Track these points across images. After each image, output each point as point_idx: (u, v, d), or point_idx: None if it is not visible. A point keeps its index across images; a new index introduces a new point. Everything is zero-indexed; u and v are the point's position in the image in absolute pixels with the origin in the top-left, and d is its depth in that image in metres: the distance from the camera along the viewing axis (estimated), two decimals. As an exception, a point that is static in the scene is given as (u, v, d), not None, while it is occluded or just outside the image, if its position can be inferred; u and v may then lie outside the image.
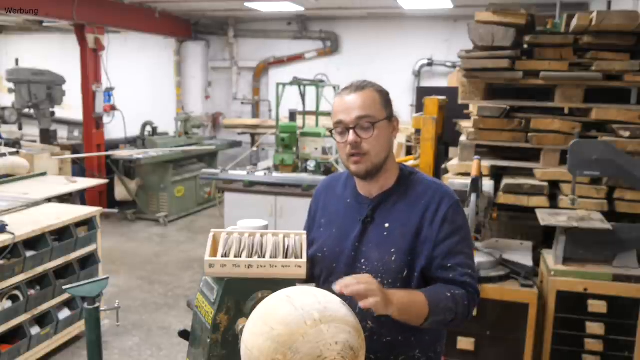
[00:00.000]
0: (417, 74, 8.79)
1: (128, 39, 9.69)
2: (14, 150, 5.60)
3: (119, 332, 4.19)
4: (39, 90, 6.76)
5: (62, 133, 8.47)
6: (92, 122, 7.35)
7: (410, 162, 3.93)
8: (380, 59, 8.80)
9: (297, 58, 9.43)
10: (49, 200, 4.19)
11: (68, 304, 3.86)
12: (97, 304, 2.32)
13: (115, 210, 6.89)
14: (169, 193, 7.46)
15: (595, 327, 2.68)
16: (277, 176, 5.43)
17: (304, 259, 1.54)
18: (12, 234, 3.22)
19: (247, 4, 7.63)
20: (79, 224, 3.91)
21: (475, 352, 2.74)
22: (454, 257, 1.57)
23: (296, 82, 6.15)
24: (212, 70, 10.09)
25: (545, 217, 2.83)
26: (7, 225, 3.27)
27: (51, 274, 3.60)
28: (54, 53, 9.93)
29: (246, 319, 1.39)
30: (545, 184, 3.13)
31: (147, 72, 10.03)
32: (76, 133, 8.59)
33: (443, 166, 3.70)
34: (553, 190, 3.17)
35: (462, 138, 3.49)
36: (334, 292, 1.35)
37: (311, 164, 5.61)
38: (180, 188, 7.67)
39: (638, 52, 3.07)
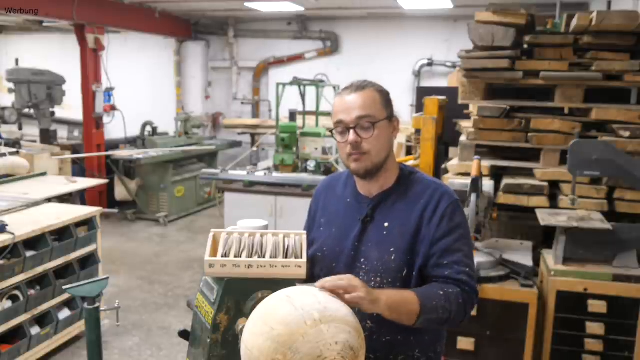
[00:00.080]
0: (417, 74, 8.79)
1: (128, 39, 9.69)
2: (14, 150, 5.60)
3: (119, 332, 4.19)
4: (39, 90, 6.76)
5: (62, 133, 8.47)
6: (92, 122, 7.35)
7: (410, 162, 3.93)
8: (380, 59, 8.81)
9: (297, 58, 9.44)
10: (49, 200, 4.19)
11: (68, 304, 3.86)
12: (97, 304, 2.32)
13: (115, 210, 6.89)
14: (169, 193, 7.46)
15: (595, 327, 2.68)
16: (277, 176, 5.43)
17: (304, 259, 1.54)
18: (12, 234, 3.22)
19: (247, 4, 7.63)
20: (79, 224, 3.91)
21: (475, 352, 2.74)
22: (451, 255, 1.56)
23: (296, 82, 6.15)
24: (212, 70, 10.10)
25: (545, 217, 2.83)
26: (7, 225, 3.27)
27: (51, 274, 3.60)
28: (54, 53, 9.93)
29: (246, 319, 1.39)
30: (545, 184, 3.13)
31: (147, 72, 10.03)
32: (76, 133, 8.59)
33: (443, 166, 3.70)
34: (553, 190, 3.17)
35: (462, 138, 3.49)
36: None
37: (311, 164, 5.61)
38: (180, 188, 7.67)
39: (638, 52, 3.07)
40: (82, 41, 7.19)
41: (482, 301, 2.68)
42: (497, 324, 2.72)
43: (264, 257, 1.55)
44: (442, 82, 7.84)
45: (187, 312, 4.13)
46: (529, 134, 3.24)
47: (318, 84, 6.19)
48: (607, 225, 2.72)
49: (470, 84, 3.35)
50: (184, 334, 1.78)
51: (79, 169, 7.01)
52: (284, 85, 6.05)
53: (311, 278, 1.69)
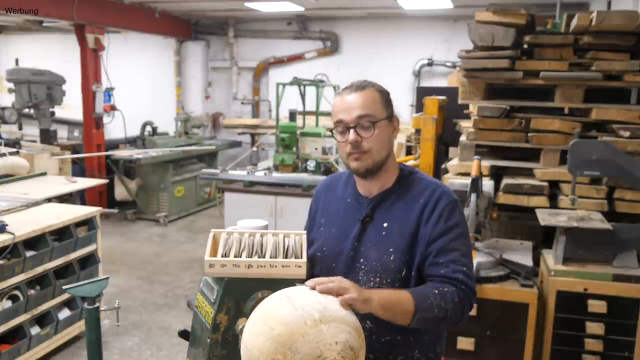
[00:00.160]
0: (417, 74, 8.79)
1: (128, 39, 9.69)
2: (14, 150, 5.60)
3: (119, 332, 4.19)
4: (39, 90, 6.76)
5: (62, 133, 8.47)
6: (92, 122, 7.35)
7: (410, 162, 3.93)
8: (380, 59, 8.81)
9: (297, 58, 9.44)
10: (49, 200, 4.19)
11: (68, 304, 3.86)
12: (97, 304, 2.32)
13: (115, 210, 6.89)
14: (169, 193, 7.47)
15: (595, 327, 2.68)
16: (277, 176, 5.43)
17: (304, 259, 1.54)
18: (12, 234, 3.22)
19: (247, 4, 7.63)
20: (79, 224, 3.91)
21: (475, 352, 2.74)
22: (447, 254, 1.55)
23: (296, 82, 6.15)
24: (212, 70, 10.10)
25: (545, 217, 2.83)
26: (7, 225, 3.27)
27: (51, 274, 3.60)
28: (54, 53, 9.93)
29: (246, 319, 1.39)
30: (545, 184, 3.13)
31: (147, 72, 10.03)
32: (76, 133, 8.59)
33: (443, 166, 3.70)
34: (553, 190, 3.17)
35: (462, 138, 3.49)
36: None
37: (311, 164, 5.62)
38: (180, 188, 7.67)
39: (638, 52, 3.06)
40: (82, 41, 7.19)
41: (482, 301, 2.68)
42: (497, 324, 2.72)
43: (264, 257, 1.55)
44: (442, 82, 7.85)
45: (187, 312, 4.13)
46: (529, 134, 3.24)
47: (318, 84, 6.19)
48: (607, 225, 2.72)
49: (470, 84, 3.35)
50: (184, 334, 1.78)
51: (79, 169, 7.01)
52: (284, 85, 6.05)
53: (311, 278, 1.70)
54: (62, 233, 3.74)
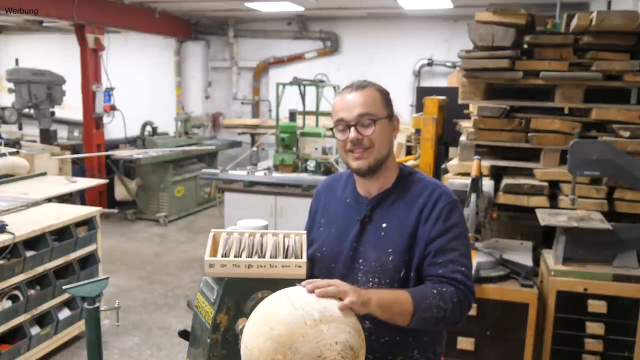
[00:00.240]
0: (417, 74, 8.79)
1: (128, 39, 9.69)
2: (14, 150, 5.60)
3: (119, 332, 4.19)
4: (39, 90, 6.76)
5: (62, 133, 8.47)
6: (92, 122, 7.35)
7: (410, 162, 3.93)
8: (380, 59, 8.81)
9: (297, 58, 9.44)
10: (49, 200, 4.19)
11: (68, 304, 3.86)
12: (97, 304, 2.32)
13: (115, 210, 6.89)
14: (169, 193, 7.47)
15: (595, 327, 2.68)
16: (277, 176, 5.43)
17: (304, 259, 1.54)
18: (12, 234, 3.22)
19: (247, 4, 7.63)
20: (79, 224, 3.91)
21: (475, 352, 2.74)
22: (446, 254, 1.55)
23: (296, 82, 6.16)
24: (212, 70, 10.10)
25: (545, 217, 2.83)
26: (7, 225, 3.27)
27: (51, 274, 3.60)
28: (54, 53, 9.93)
29: (246, 319, 1.39)
30: (545, 184, 3.13)
31: (147, 72, 10.03)
32: (76, 133, 8.59)
33: (443, 166, 3.70)
34: (553, 190, 3.17)
35: (462, 138, 3.49)
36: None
37: (311, 164, 5.62)
38: (180, 188, 7.67)
39: (638, 52, 3.06)
40: (82, 41, 7.19)
41: (482, 301, 2.68)
42: (497, 324, 2.72)
43: (264, 257, 1.55)
44: (442, 82, 7.84)
45: (187, 312, 4.13)
46: (529, 134, 3.23)
47: (318, 84, 6.19)
48: (607, 225, 2.72)
49: (470, 84, 3.35)
50: (184, 334, 1.78)
51: (79, 169, 7.01)
52: (284, 85, 6.05)
53: (311, 278, 1.70)
54: (62, 233, 3.75)
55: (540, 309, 2.74)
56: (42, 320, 3.62)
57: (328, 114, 6.28)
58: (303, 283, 1.36)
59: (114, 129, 7.89)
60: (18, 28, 10.35)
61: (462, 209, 1.77)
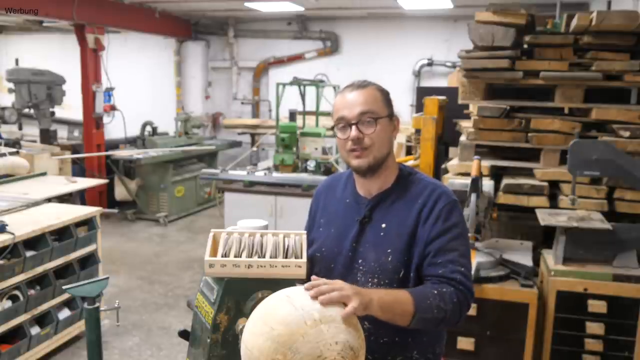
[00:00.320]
0: (417, 74, 8.79)
1: (128, 39, 9.69)
2: (14, 150, 5.60)
3: (119, 332, 4.19)
4: (39, 90, 6.76)
5: (62, 133, 8.47)
6: (92, 122, 7.35)
7: (410, 162, 3.93)
8: (380, 59, 8.81)
9: (297, 58, 9.44)
10: (49, 200, 4.19)
11: (68, 304, 3.86)
12: (97, 304, 2.32)
13: (115, 210, 6.89)
14: (169, 193, 7.46)
15: (595, 327, 2.68)
16: (277, 176, 5.43)
17: (304, 259, 1.54)
18: (12, 234, 3.22)
19: (247, 4, 7.63)
20: (79, 224, 3.91)
21: (475, 352, 2.74)
22: (445, 254, 1.55)
23: (296, 82, 6.16)
24: (212, 70, 10.10)
25: (545, 217, 2.83)
26: (7, 225, 3.27)
27: (51, 274, 3.60)
28: (54, 53, 9.93)
29: (246, 319, 1.39)
30: (545, 184, 3.13)
31: (147, 72, 10.03)
32: (76, 133, 8.59)
33: (443, 166, 3.70)
34: (553, 190, 3.17)
35: (462, 138, 3.49)
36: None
37: (311, 164, 5.61)
38: (180, 188, 7.67)
39: (638, 52, 3.06)
40: (82, 41, 7.19)
41: (482, 301, 2.68)
42: (497, 324, 2.72)
43: (264, 257, 1.55)
44: (442, 82, 7.84)
45: (187, 312, 4.13)
46: (529, 134, 3.23)
47: (318, 84, 6.19)
48: (607, 225, 2.72)
49: (470, 84, 3.35)
50: (184, 334, 1.78)
51: (79, 169, 7.01)
52: (284, 85, 6.05)
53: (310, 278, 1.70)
54: (62, 233, 3.74)
55: (540, 309, 2.74)
56: (42, 320, 3.62)
57: (328, 114, 6.28)
58: (305, 286, 1.34)
59: (114, 129, 7.89)
60: (18, 28, 10.35)
61: (462, 209, 1.77)
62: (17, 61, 7.73)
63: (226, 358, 1.52)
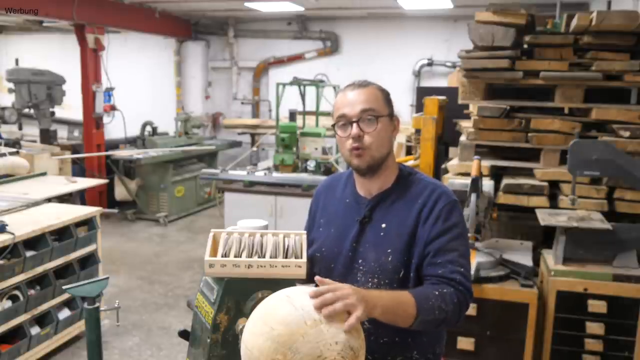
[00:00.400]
0: (417, 74, 8.79)
1: (128, 39, 9.69)
2: (14, 150, 5.59)
3: (119, 332, 4.19)
4: (39, 90, 6.76)
5: (62, 133, 8.47)
6: (92, 122, 7.35)
7: (410, 162, 3.93)
8: (380, 59, 8.81)
9: (297, 58, 9.44)
10: (49, 200, 4.18)
11: (68, 304, 3.85)
12: (97, 304, 2.32)
13: (115, 210, 6.89)
14: (169, 193, 7.46)
15: (595, 327, 2.68)
16: (277, 176, 5.43)
17: (304, 259, 1.54)
18: (12, 234, 3.22)
19: (247, 4, 7.63)
20: (79, 224, 3.91)
21: (475, 352, 2.74)
22: (445, 254, 1.55)
23: (296, 82, 6.16)
24: (212, 70, 10.09)
25: (545, 217, 2.83)
26: (7, 225, 3.27)
27: (51, 274, 3.60)
28: (54, 53, 9.93)
29: (246, 319, 1.39)
30: (545, 184, 3.13)
31: (147, 72, 10.03)
32: (76, 133, 8.59)
33: (443, 166, 3.70)
34: (553, 190, 3.17)
35: (462, 138, 3.49)
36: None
37: (311, 164, 5.62)
38: (180, 188, 7.67)
39: (638, 52, 3.06)
40: (82, 41, 7.19)
41: (482, 301, 2.68)
42: (497, 324, 2.72)
43: (264, 257, 1.55)
44: (442, 82, 7.85)
45: (187, 312, 4.13)
46: (529, 134, 3.24)
47: (318, 84, 6.19)
48: (607, 225, 2.72)
49: (470, 84, 3.35)
50: (184, 334, 1.78)
51: (79, 169, 7.01)
52: (284, 85, 6.05)
53: (311, 278, 1.70)
54: (62, 233, 3.74)
55: (540, 309, 2.74)
56: (42, 320, 3.62)
57: (328, 114, 6.28)
58: (310, 294, 1.30)
59: (114, 129, 7.88)
60: (18, 28, 10.35)
61: (462, 209, 1.77)
62: (17, 61, 7.73)
63: (226, 358, 1.52)
